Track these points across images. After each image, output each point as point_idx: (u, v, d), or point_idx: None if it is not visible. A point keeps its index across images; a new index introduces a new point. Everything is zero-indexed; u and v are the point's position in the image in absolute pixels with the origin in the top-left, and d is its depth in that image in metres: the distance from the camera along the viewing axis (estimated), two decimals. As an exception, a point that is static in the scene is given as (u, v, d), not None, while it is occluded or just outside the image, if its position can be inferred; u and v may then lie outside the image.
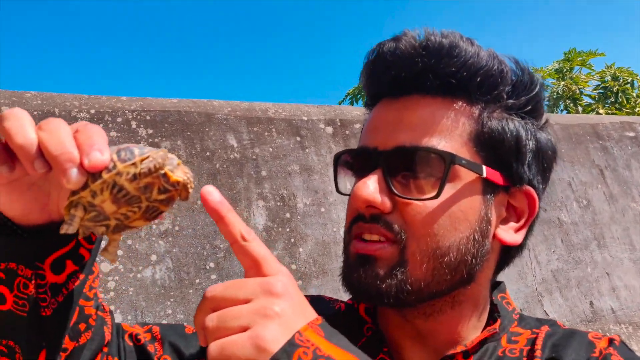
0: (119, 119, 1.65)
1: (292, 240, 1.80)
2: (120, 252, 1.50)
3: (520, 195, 0.61)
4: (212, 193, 0.46)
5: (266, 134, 1.93)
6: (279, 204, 1.84)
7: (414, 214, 0.56)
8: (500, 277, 2.18)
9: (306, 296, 0.75)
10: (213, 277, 1.61)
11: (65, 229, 0.45)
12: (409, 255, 0.56)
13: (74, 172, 0.42)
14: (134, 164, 0.43)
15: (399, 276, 0.56)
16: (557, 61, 11.21)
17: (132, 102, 1.74)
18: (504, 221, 0.62)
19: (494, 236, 0.60)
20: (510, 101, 0.60)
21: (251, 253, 0.46)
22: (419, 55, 0.58)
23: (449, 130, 0.58)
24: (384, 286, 0.56)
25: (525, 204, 0.62)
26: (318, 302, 0.74)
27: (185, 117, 1.79)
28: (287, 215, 1.84)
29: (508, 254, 0.65)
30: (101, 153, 0.42)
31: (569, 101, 10.75)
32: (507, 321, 0.63)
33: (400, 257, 0.56)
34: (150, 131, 1.69)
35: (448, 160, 0.55)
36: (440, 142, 0.57)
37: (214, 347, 0.40)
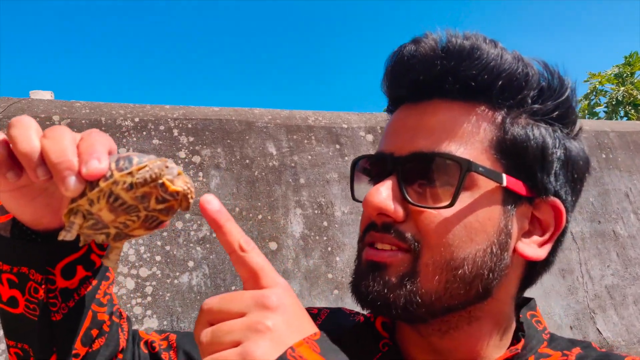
0: (162, 127, 1.69)
1: (329, 248, 1.79)
2: (157, 258, 1.53)
3: (546, 207, 0.57)
4: (211, 202, 0.45)
5: (305, 141, 1.93)
6: (316, 212, 1.83)
7: (428, 223, 0.54)
8: (550, 292, 2.06)
9: (326, 308, 0.74)
10: (249, 284, 1.62)
11: (63, 236, 0.45)
12: (422, 266, 0.54)
13: (71, 180, 0.42)
14: (130, 173, 0.43)
15: (408, 286, 0.53)
16: (617, 65, 10.75)
17: (174, 110, 1.78)
18: (527, 234, 0.58)
19: (515, 250, 0.57)
20: (536, 106, 0.56)
21: (249, 264, 0.44)
22: (439, 57, 0.55)
23: (469, 136, 0.55)
24: (392, 296, 0.53)
25: (552, 216, 0.57)
26: (337, 315, 0.73)
27: (226, 125, 1.81)
28: (325, 223, 1.83)
29: (533, 269, 0.61)
30: (99, 161, 0.43)
31: (630, 107, 10.25)
32: (535, 341, 0.59)
33: (412, 266, 0.54)
34: (191, 139, 1.72)
35: (464, 168, 0.53)
36: (459, 149, 0.54)
37: None
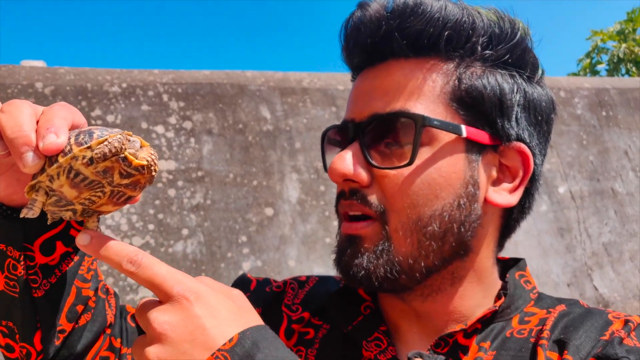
0: (150, 92, 1.65)
1: (327, 213, 1.77)
2: (151, 227, 1.51)
3: (512, 153, 0.57)
4: (79, 239, 0.45)
5: (300, 104, 1.89)
6: (313, 176, 1.81)
7: (392, 185, 0.54)
8: (548, 251, 2.06)
9: (316, 276, 0.73)
10: (245, 250, 1.60)
11: (25, 213, 0.44)
12: (392, 232, 0.54)
13: (29, 156, 0.41)
14: (89, 147, 0.41)
15: (384, 255, 0.54)
16: (619, 22, 10.57)
17: (163, 75, 1.73)
18: (496, 182, 0.58)
19: (486, 200, 0.56)
20: (488, 52, 0.56)
21: (141, 282, 0.44)
22: (384, 18, 0.56)
23: (423, 92, 0.55)
24: (372, 267, 0.54)
25: (519, 161, 0.57)
26: (326, 282, 0.73)
27: (218, 89, 1.77)
28: (322, 188, 1.81)
29: (510, 217, 0.61)
30: (57, 135, 0.41)
31: (631, 64, 10.12)
32: (522, 301, 0.59)
33: (384, 234, 0.54)
34: (182, 104, 1.68)
35: (419, 123, 0.53)
36: (415, 105, 0.54)
37: None
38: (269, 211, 1.70)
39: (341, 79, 2.05)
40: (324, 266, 1.71)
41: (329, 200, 1.80)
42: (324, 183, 1.82)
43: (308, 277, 0.74)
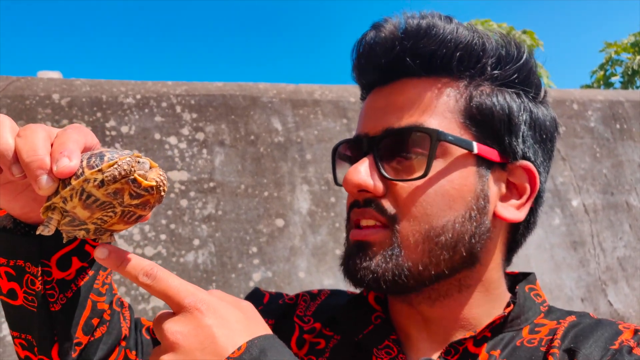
0: (164, 104, 1.67)
1: (337, 225, 1.77)
2: (163, 237, 1.52)
3: (519, 172, 0.60)
4: (97, 252, 0.47)
5: (311, 116, 1.90)
6: (323, 188, 1.81)
7: (406, 196, 0.56)
8: (561, 265, 2.04)
9: (328, 289, 0.74)
10: (256, 261, 1.61)
11: (40, 230, 0.45)
12: (403, 239, 0.56)
13: (43, 179, 0.43)
14: (100, 170, 0.43)
15: (394, 260, 0.55)
16: (634, 34, 10.51)
17: (177, 86, 1.75)
18: (504, 198, 0.60)
19: (494, 214, 0.59)
20: (496, 72, 0.59)
21: (155, 295, 0.46)
22: (398, 39, 0.59)
23: (437, 108, 0.58)
24: (380, 271, 0.55)
25: (526, 180, 0.60)
26: (338, 295, 0.74)
27: (230, 100, 1.78)
28: (332, 199, 1.81)
29: (517, 232, 0.63)
30: (69, 159, 0.43)
31: (646, 76, 10.04)
32: (532, 313, 0.60)
33: (394, 240, 0.56)
34: (194, 115, 1.70)
35: (434, 138, 0.55)
36: (429, 121, 0.57)
37: None
38: (279, 222, 1.71)
39: (352, 92, 2.06)
40: (334, 278, 1.71)
41: (339, 211, 1.80)
42: (334, 195, 1.82)
43: (320, 291, 0.75)
